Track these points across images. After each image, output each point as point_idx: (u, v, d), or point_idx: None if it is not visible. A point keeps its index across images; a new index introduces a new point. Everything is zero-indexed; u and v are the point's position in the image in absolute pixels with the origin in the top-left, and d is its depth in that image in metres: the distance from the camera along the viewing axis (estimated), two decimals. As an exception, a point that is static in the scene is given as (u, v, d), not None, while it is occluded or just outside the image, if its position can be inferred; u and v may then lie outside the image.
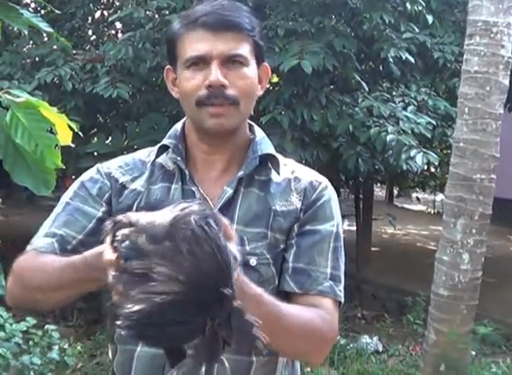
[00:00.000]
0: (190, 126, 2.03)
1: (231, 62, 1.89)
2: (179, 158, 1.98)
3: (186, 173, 1.97)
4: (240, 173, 1.92)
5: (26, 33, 2.64)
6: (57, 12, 4.65)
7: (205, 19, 1.89)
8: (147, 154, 2.06)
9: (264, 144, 2.06)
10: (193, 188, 1.95)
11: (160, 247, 1.26)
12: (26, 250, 1.92)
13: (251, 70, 1.94)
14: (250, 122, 2.10)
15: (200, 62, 1.89)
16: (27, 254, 1.90)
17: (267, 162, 1.98)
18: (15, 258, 1.88)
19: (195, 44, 1.90)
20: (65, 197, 1.99)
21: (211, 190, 1.95)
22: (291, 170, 1.98)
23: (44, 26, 2.62)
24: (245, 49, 1.92)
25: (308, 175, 1.99)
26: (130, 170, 2.01)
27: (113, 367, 2.00)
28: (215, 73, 1.86)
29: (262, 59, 2.02)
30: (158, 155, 2.02)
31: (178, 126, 2.07)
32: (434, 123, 7.37)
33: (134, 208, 1.93)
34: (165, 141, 2.03)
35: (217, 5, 1.93)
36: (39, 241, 1.91)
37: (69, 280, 1.73)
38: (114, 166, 2.02)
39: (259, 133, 2.08)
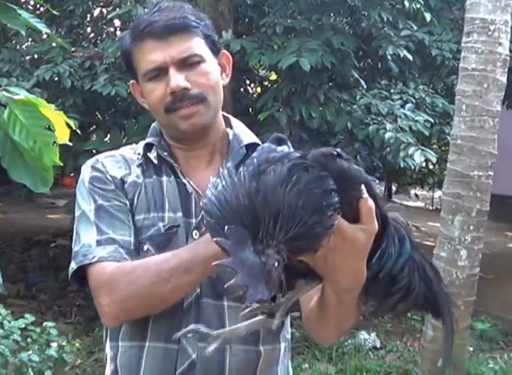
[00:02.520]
0: (164, 132, 2.08)
1: (187, 63, 1.93)
2: (165, 154, 2.03)
3: (176, 165, 2.01)
4: (229, 164, 1.94)
5: (24, 33, 2.64)
6: (55, 13, 4.66)
7: (150, 28, 1.93)
8: (131, 152, 2.09)
9: (247, 135, 2.11)
10: (185, 181, 2.00)
11: None
12: (82, 262, 1.87)
13: (210, 64, 1.98)
14: (226, 114, 2.16)
15: (159, 72, 1.93)
16: (101, 267, 1.85)
17: (250, 152, 1.99)
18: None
19: (148, 56, 1.94)
20: (87, 204, 1.97)
21: (199, 182, 1.99)
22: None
23: (41, 26, 2.62)
24: (197, 46, 1.96)
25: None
26: (122, 166, 2.03)
27: (116, 366, 1.99)
28: (174, 79, 1.91)
29: (218, 49, 2.05)
30: (145, 152, 2.04)
31: (156, 124, 2.11)
32: (432, 120, 7.40)
33: (135, 200, 1.98)
34: (149, 139, 2.06)
35: (159, 10, 1.96)
36: (98, 251, 1.87)
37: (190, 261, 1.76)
38: (106, 162, 2.03)
39: (238, 124, 2.15)
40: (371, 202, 1.50)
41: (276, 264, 1.30)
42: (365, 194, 1.49)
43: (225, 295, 1.92)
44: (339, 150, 1.48)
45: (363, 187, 1.49)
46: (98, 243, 1.89)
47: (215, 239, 1.35)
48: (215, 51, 2.03)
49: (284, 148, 1.51)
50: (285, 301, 1.58)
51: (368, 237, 1.51)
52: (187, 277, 1.78)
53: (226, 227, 1.30)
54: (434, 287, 1.69)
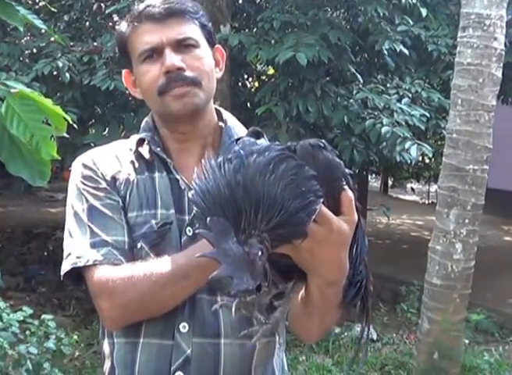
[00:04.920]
0: (157, 120, 2.06)
1: (183, 46, 1.93)
2: (158, 149, 2.01)
3: (169, 161, 2.00)
4: (220, 159, 1.91)
5: (22, 29, 2.65)
6: (52, 9, 4.67)
7: (148, 10, 1.93)
8: (123, 147, 2.07)
9: (238, 129, 2.09)
10: (177, 177, 1.98)
11: None
12: (76, 264, 1.88)
13: (204, 51, 1.98)
14: (219, 108, 2.13)
15: (154, 54, 1.92)
16: (97, 271, 1.86)
17: None
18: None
19: (144, 37, 1.94)
20: (79, 204, 1.96)
21: (192, 178, 1.90)
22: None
23: (39, 23, 2.63)
24: (193, 32, 1.96)
25: None
26: (113, 163, 2.02)
27: (113, 362, 1.98)
28: (170, 59, 1.90)
29: (214, 41, 2.05)
30: (137, 148, 2.03)
31: (148, 119, 2.10)
32: (428, 115, 7.42)
33: (127, 197, 1.97)
34: (142, 135, 2.05)
35: None
36: (92, 254, 1.87)
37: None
38: (97, 160, 2.02)
39: (230, 118, 2.13)
40: (351, 194, 1.53)
41: (260, 253, 1.31)
42: (346, 186, 1.52)
43: (218, 290, 1.86)
44: (324, 141, 1.50)
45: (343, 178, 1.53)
46: (92, 245, 1.88)
47: (197, 231, 1.39)
48: (211, 42, 2.03)
49: (262, 141, 1.53)
50: (279, 315, 1.61)
51: (350, 228, 1.54)
52: (185, 283, 1.80)
53: (208, 219, 1.32)
54: (368, 284, 1.74)
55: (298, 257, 1.54)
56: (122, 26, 2.02)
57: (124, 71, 2.09)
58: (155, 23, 1.93)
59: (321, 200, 1.44)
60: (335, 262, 1.57)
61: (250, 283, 1.30)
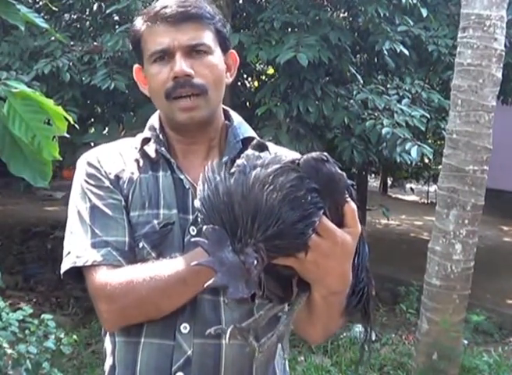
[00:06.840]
0: (164, 120, 2.06)
1: (195, 51, 1.93)
2: (163, 149, 2.01)
3: (173, 161, 2.00)
4: (225, 159, 1.92)
5: (23, 29, 2.65)
6: (53, 8, 4.66)
7: (164, 12, 1.92)
8: (128, 145, 2.07)
9: (244, 128, 2.10)
10: (181, 176, 1.98)
11: None
12: (76, 263, 1.88)
13: (216, 58, 1.97)
14: (226, 107, 2.14)
15: (165, 56, 1.93)
16: (96, 273, 1.87)
17: (248, 146, 1.91)
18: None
19: (157, 38, 1.93)
20: (82, 203, 1.96)
21: (196, 177, 1.85)
22: (273, 153, 1.85)
23: (40, 21, 2.63)
24: (207, 38, 1.95)
25: (290, 156, 2.01)
26: (117, 162, 2.02)
27: (114, 360, 1.98)
28: (179, 64, 1.90)
29: (227, 47, 2.05)
30: (142, 146, 2.03)
31: (154, 118, 2.09)
32: (428, 116, 7.43)
33: (130, 196, 1.96)
34: (147, 134, 2.05)
35: None
36: (92, 254, 1.88)
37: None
38: (101, 158, 2.02)
39: (236, 117, 2.13)
40: (354, 205, 1.56)
41: (255, 262, 1.33)
42: (349, 198, 1.55)
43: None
44: (326, 154, 1.52)
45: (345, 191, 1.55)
46: (92, 245, 1.89)
47: (193, 239, 1.41)
48: (224, 48, 2.03)
49: (266, 154, 1.55)
50: (284, 328, 1.61)
51: (354, 240, 1.57)
52: (184, 289, 1.80)
53: (205, 227, 1.35)
54: (370, 290, 1.76)
55: (303, 269, 1.56)
56: (138, 23, 2.02)
57: (136, 66, 2.10)
58: (169, 25, 1.93)
59: (322, 212, 1.46)
60: (339, 273, 1.61)
61: (245, 291, 1.32)
